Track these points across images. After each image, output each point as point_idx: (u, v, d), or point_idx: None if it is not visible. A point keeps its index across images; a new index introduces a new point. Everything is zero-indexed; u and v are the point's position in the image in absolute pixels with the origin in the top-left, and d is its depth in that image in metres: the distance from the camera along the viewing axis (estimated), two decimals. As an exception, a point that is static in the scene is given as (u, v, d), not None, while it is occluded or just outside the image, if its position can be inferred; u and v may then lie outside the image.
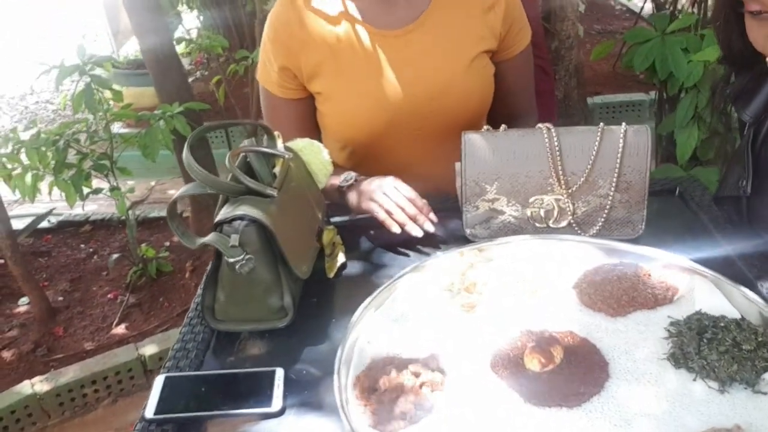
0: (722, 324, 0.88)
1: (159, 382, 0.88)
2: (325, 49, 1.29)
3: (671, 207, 1.26)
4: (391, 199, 1.15)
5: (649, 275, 1.00)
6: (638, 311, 0.95)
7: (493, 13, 1.29)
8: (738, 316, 0.91)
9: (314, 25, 1.29)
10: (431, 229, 1.13)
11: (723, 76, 1.09)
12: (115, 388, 2.17)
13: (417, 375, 0.83)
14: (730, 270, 1.02)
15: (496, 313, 0.95)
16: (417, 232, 1.12)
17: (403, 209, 1.14)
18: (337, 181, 1.26)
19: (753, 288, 0.98)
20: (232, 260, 0.92)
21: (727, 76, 1.08)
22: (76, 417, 2.11)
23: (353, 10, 1.29)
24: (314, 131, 1.40)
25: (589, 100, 3.86)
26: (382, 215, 1.15)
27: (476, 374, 0.85)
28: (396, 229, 1.13)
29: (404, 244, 1.18)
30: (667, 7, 2.30)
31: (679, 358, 0.85)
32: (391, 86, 1.28)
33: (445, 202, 1.28)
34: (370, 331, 0.92)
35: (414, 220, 1.14)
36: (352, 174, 1.25)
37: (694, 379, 0.83)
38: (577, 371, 0.83)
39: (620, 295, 0.97)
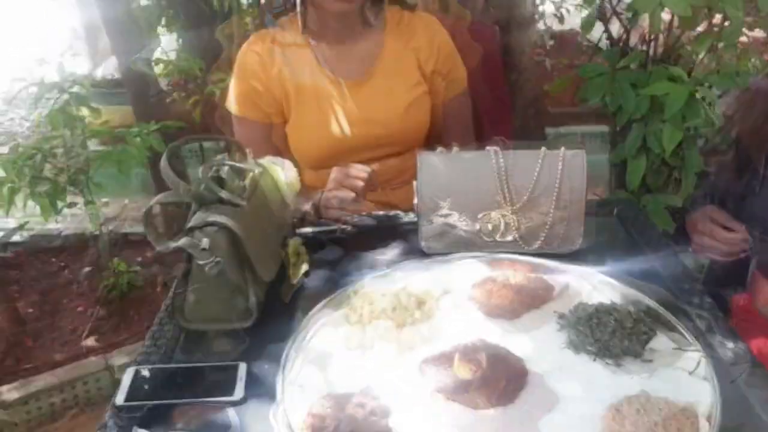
0: (603, 309, 1.03)
1: (129, 373, 0.96)
2: (290, 86, 1.53)
3: (609, 226, 1.39)
4: (341, 183, 1.41)
5: (528, 279, 1.15)
6: (530, 311, 1.09)
7: (427, 65, 1.58)
8: (607, 301, 1.07)
9: (281, 63, 1.53)
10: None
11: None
12: (82, 398, 2.20)
13: (363, 406, 0.88)
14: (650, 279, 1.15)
15: (415, 333, 1.04)
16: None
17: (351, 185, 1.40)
18: (308, 206, 1.42)
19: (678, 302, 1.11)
20: (201, 262, 1.00)
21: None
22: (43, 425, 2.13)
23: (316, 56, 1.54)
24: (285, 154, 1.59)
25: (554, 130, 4.03)
26: (343, 194, 1.38)
27: (415, 392, 0.92)
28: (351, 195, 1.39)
29: (365, 256, 1.29)
30: (620, 44, 2.45)
31: (577, 345, 0.99)
32: (342, 125, 1.54)
33: (403, 219, 1.42)
34: (302, 375, 0.97)
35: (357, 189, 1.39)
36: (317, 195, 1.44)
37: (594, 360, 0.97)
38: (501, 373, 0.93)
39: (512, 299, 1.09)
